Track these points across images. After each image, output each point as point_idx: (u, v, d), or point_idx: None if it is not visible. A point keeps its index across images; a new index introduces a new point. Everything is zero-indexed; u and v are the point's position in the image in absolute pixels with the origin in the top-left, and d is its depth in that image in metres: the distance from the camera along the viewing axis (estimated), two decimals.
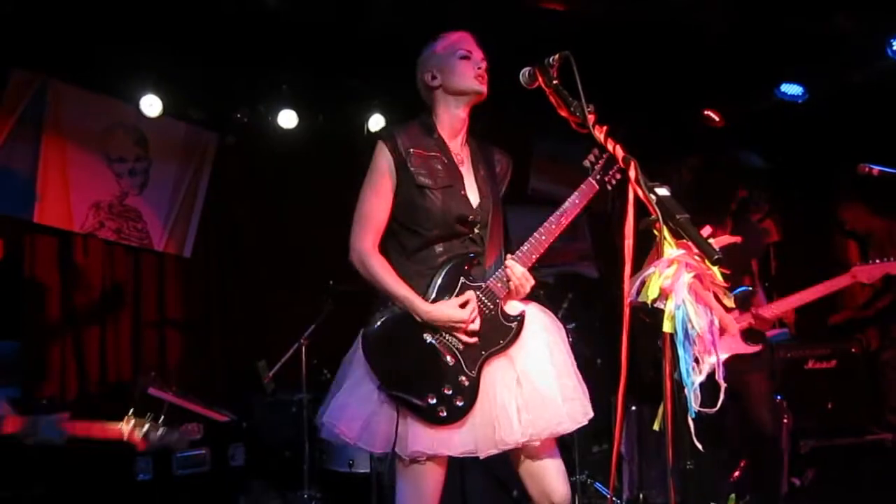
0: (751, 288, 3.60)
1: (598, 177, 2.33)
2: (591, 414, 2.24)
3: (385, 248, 2.33)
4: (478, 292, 2.24)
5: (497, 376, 2.22)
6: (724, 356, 3.42)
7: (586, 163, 2.34)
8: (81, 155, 4.74)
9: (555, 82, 2.00)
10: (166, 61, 4.56)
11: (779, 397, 3.97)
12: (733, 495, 3.59)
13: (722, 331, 1.67)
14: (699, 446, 1.65)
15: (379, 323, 2.22)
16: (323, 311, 4.37)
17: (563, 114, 1.98)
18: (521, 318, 2.26)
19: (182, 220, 5.20)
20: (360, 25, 4.15)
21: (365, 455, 4.10)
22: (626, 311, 1.74)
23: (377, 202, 2.30)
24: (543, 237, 2.26)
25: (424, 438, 2.15)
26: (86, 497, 3.88)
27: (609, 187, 2.35)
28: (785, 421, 3.99)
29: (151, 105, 4.65)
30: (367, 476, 4.08)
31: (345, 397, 2.24)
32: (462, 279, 2.25)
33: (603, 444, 4.76)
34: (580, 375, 2.31)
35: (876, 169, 3.16)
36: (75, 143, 4.69)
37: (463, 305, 2.19)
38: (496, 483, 3.67)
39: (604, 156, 2.33)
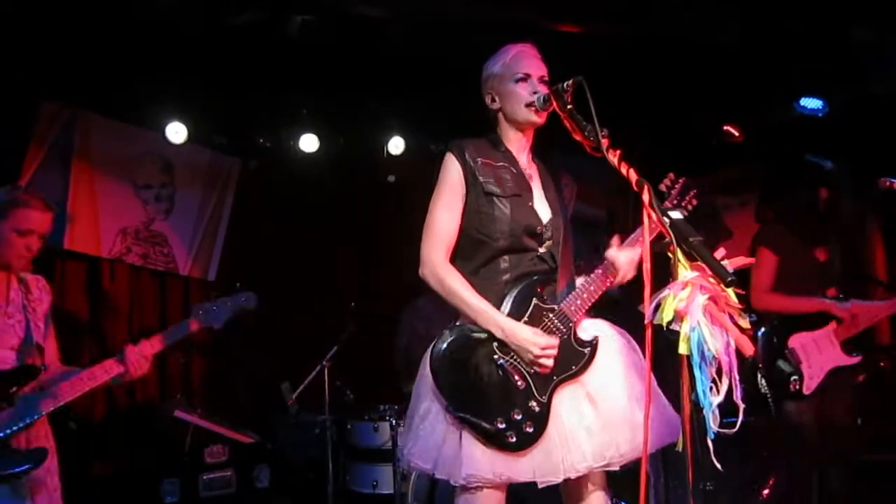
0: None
1: (675, 202, 2.29)
2: (670, 440, 2.07)
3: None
4: (550, 314, 2.17)
5: (566, 399, 2.13)
6: (827, 368, 3.43)
7: (662, 187, 2.30)
8: (109, 182, 4.86)
9: (569, 107, 2.02)
10: (190, 89, 4.66)
11: None
12: None
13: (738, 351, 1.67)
14: (719, 467, 1.65)
15: (448, 342, 2.13)
16: (345, 332, 4.41)
17: (578, 138, 1.99)
18: (594, 345, 2.18)
19: (206, 244, 5.29)
20: (379, 49, 4.22)
21: (389, 476, 4.12)
22: (648, 332, 1.74)
23: (447, 214, 2.23)
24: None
25: (483, 462, 2.05)
26: None
27: (685, 213, 2.28)
28: None
29: (177, 132, 4.76)
30: (391, 497, 4.08)
31: (418, 425, 2.17)
32: (535, 300, 2.18)
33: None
34: (664, 398, 2.19)
35: None
36: (103, 170, 4.82)
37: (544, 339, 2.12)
38: (515, 500, 3.65)
39: (679, 181, 2.30)
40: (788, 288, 3.55)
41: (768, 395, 3.54)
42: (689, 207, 2.30)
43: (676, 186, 2.30)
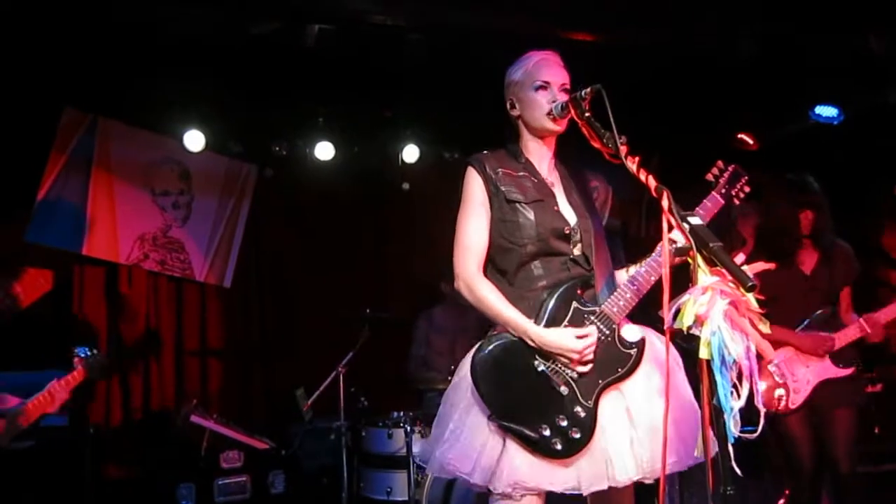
0: (826, 311, 3.40)
1: (724, 191, 2.22)
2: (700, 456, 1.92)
3: (485, 275, 2.25)
4: (592, 317, 2.13)
5: (607, 407, 2.10)
6: (814, 381, 3.29)
7: (710, 176, 2.23)
8: (128, 189, 4.92)
9: (587, 114, 2.02)
10: (208, 98, 4.72)
11: None
12: None
13: (759, 357, 1.67)
14: (738, 472, 1.65)
15: (488, 349, 2.11)
16: (360, 339, 4.42)
17: (596, 145, 1.98)
18: (640, 345, 2.13)
19: (222, 251, 5.33)
20: (394, 59, 4.25)
21: (403, 483, 4.12)
22: (668, 337, 1.74)
23: (475, 225, 2.23)
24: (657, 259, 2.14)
25: (525, 471, 2.02)
26: None
27: (736, 202, 2.24)
28: None
29: (194, 140, 4.81)
30: None
31: (455, 430, 2.14)
32: (575, 303, 2.14)
33: None
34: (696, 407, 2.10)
35: None
36: (122, 177, 4.88)
37: (581, 337, 2.08)
38: None
39: (729, 168, 2.23)
40: (773, 306, 3.43)
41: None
42: (741, 196, 2.23)
43: (725, 175, 2.22)
